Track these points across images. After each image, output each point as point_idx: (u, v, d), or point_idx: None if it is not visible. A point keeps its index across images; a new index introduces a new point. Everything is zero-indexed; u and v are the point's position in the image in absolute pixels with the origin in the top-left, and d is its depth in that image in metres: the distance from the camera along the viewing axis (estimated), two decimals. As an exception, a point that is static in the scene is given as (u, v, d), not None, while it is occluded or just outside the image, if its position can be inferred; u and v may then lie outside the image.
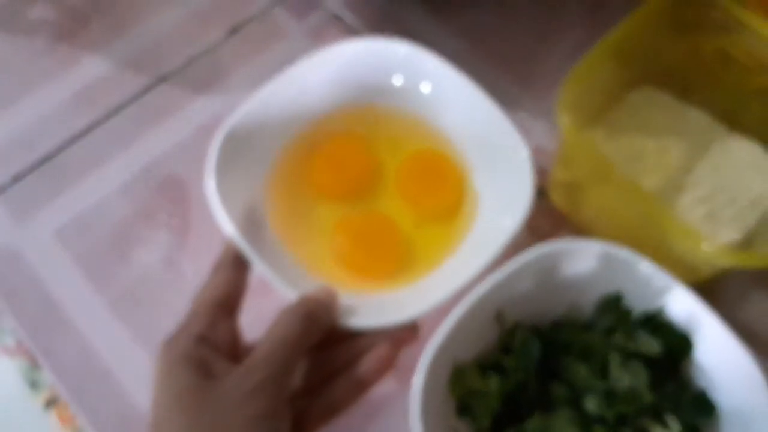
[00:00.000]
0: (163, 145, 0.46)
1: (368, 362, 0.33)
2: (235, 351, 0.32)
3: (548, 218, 0.43)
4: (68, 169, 0.45)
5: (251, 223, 0.38)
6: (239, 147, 0.39)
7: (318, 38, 0.49)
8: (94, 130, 0.46)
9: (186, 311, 0.32)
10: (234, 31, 0.50)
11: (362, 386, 0.33)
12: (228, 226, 0.36)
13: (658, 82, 0.45)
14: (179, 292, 0.41)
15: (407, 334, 0.34)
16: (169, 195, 0.44)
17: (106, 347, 0.40)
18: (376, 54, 0.41)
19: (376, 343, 0.34)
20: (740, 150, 0.44)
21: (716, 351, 0.35)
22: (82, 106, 0.47)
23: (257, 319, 0.39)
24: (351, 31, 0.50)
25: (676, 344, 0.35)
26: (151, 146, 0.46)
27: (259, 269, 0.35)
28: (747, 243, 0.41)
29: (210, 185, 0.36)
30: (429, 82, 0.41)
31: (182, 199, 0.44)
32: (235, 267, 0.34)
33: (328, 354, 0.34)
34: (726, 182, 0.43)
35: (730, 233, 0.41)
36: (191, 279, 0.42)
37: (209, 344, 0.31)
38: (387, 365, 0.34)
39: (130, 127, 0.47)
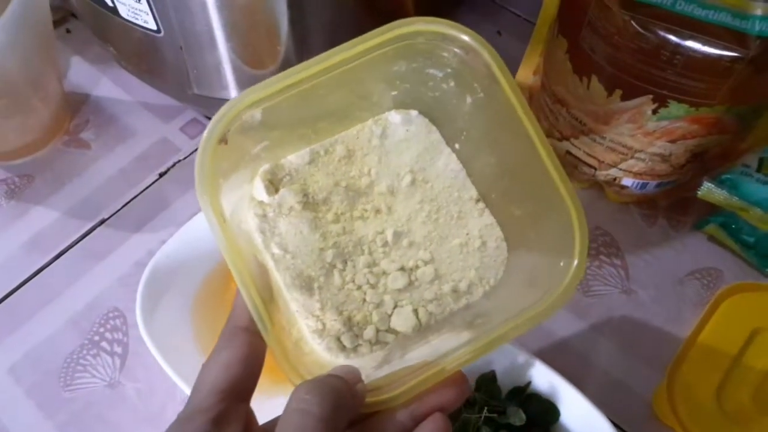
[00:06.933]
0: (104, 281, 0.50)
1: None
2: None
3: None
4: (19, 309, 0.49)
5: (181, 347, 0.43)
6: (164, 281, 0.44)
7: (237, 174, 0.56)
8: (42, 273, 0.51)
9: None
10: (163, 174, 0.55)
11: None
12: (158, 356, 0.41)
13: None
14: (122, 411, 0.45)
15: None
16: (111, 325, 0.48)
17: (57, 471, 0.43)
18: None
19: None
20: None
21: (578, 416, 0.40)
22: (31, 253, 0.51)
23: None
24: (265, 164, 0.57)
25: (544, 412, 0.41)
26: (94, 283, 0.50)
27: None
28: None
29: (138, 319, 0.42)
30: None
31: (122, 327, 0.48)
32: (251, 338, 0.28)
33: None
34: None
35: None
36: (133, 397, 0.46)
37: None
38: None
39: (75, 267, 0.51)
